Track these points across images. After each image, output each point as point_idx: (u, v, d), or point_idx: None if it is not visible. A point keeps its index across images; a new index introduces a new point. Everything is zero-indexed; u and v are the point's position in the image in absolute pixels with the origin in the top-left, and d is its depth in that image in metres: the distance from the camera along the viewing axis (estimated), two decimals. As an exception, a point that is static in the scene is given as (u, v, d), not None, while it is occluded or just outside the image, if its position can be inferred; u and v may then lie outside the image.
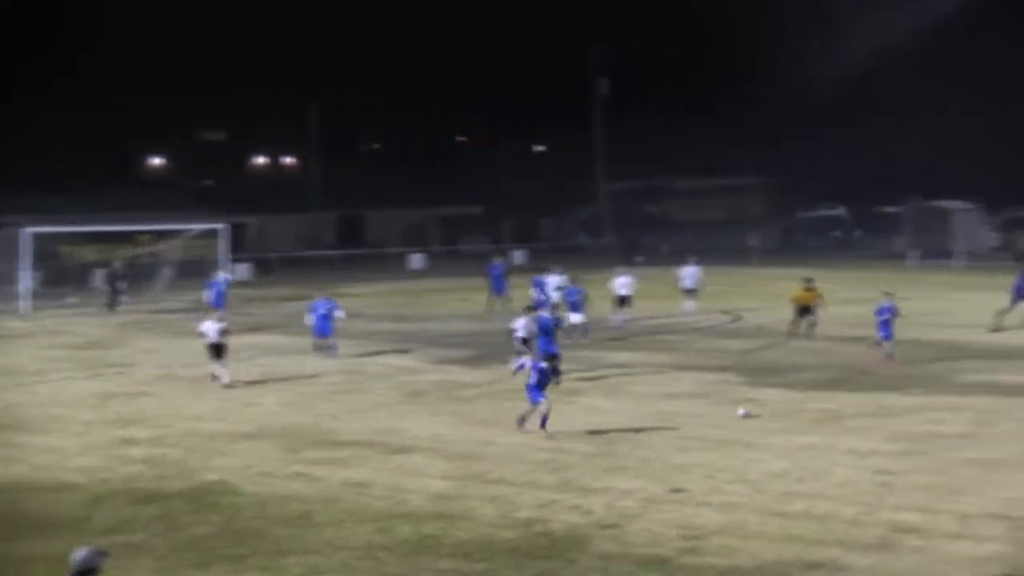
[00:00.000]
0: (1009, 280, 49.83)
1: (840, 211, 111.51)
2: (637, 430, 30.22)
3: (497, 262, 60.11)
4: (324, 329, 43.06)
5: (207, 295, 53.99)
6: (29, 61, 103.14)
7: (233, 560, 20.98)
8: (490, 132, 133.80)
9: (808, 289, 46.12)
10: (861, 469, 26.01)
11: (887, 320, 39.93)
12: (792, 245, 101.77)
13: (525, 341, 37.48)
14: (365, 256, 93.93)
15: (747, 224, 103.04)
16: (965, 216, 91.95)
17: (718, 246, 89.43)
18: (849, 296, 54.95)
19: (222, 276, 57.03)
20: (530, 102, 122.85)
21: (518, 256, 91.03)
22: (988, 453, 27.24)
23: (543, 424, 29.36)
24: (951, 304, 56.63)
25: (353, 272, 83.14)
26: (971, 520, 22.19)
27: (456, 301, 64.25)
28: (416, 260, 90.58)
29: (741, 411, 31.31)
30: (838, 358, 41.78)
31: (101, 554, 13.80)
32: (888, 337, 39.90)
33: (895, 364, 39.02)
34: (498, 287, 56.83)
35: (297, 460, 28.12)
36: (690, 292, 55.59)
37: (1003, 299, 48.47)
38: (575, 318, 45.23)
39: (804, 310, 46.04)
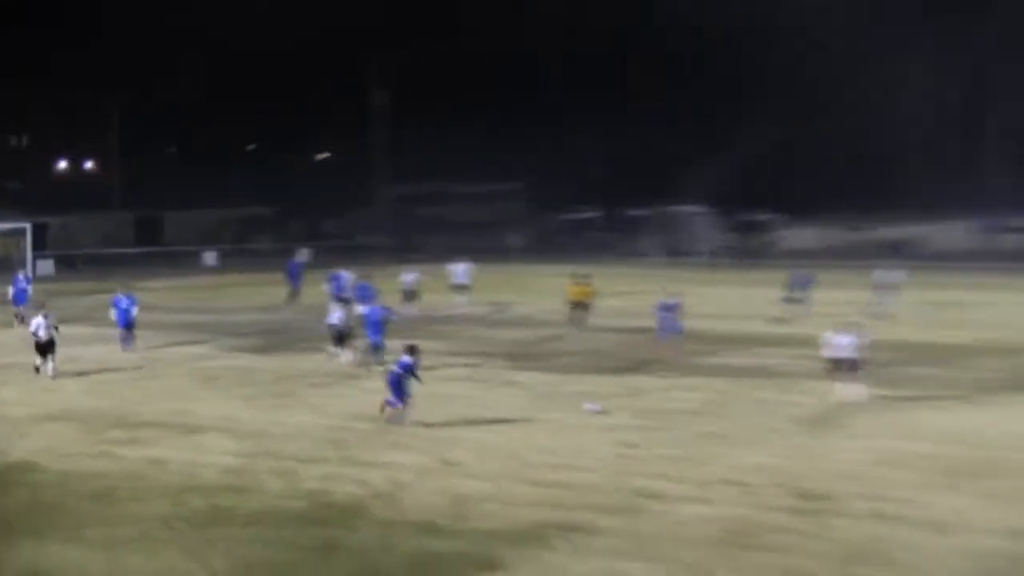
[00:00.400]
0: (739, 276, 50.82)
1: (594, 214, 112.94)
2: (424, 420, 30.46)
3: (297, 259, 59.74)
4: (124, 321, 42.40)
5: (8, 293, 52.75)
6: None
7: (37, 533, 20.67)
8: (280, 140, 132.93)
9: (581, 284, 45.71)
10: (612, 443, 26.52)
11: (669, 315, 39.49)
12: (551, 244, 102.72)
13: (343, 336, 37.28)
14: (163, 254, 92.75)
15: (512, 225, 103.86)
16: (701, 219, 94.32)
17: (486, 245, 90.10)
18: (600, 290, 55.67)
19: (21, 275, 55.73)
20: (317, 113, 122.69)
21: (305, 254, 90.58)
22: (721, 427, 28.03)
23: (387, 408, 28.64)
24: (691, 297, 57.60)
25: (152, 268, 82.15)
26: (706, 486, 22.84)
27: (247, 294, 63.88)
28: (210, 258, 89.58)
29: (592, 406, 29.76)
30: (593, 345, 42.41)
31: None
32: (675, 330, 39.38)
33: (682, 354, 38.91)
34: (295, 282, 56.42)
35: (100, 440, 27.77)
36: (462, 287, 55.42)
37: (734, 293, 49.70)
38: (364, 310, 45.19)
39: (578, 305, 45.32)
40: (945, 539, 19.58)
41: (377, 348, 35.17)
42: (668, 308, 39.76)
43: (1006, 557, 18.70)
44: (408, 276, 52.63)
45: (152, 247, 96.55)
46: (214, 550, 19.62)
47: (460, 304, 54.14)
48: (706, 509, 21.37)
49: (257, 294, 63.58)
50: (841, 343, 28.58)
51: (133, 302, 42.91)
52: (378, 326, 35.98)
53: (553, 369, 37.07)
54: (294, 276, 57.99)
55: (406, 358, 28.24)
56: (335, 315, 38.77)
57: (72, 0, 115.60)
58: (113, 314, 42.72)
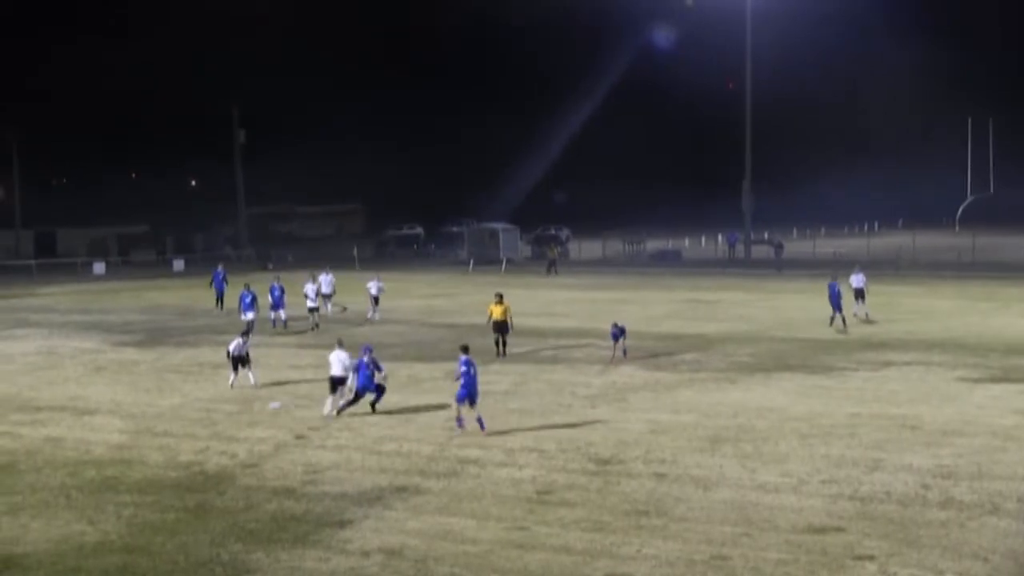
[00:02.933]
0: (535, 280, 50.63)
1: (418, 229, 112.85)
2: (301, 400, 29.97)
3: (219, 269, 54.54)
4: None
5: None
6: None
7: (-49, 501, 20.00)
8: (156, 170, 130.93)
9: (499, 303, 36.72)
10: (435, 417, 26.47)
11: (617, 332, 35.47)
12: (384, 255, 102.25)
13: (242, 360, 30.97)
14: (57, 264, 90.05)
15: (351, 239, 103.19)
16: (507, 234, 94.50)
17: (330, 255, 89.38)
18: (423, 293, 55.60)
19: None
20: (189, 146, 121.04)
21: (177, 264, 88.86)
22: (524, 404, 28.12)
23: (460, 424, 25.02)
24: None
25: (48, 277, 79.64)
26: (514, 452, 22.86)
27: (130, 298, 62.18)
28: (99, 268, 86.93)
29: (273, 404, 27.88)
30: (418, 337, 42.18)
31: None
32: (620, 336, 35.44)
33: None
34: (220, 288, 52.64)
35: (4, 422, 27.11)
36: (327, 296, 49.50)
37: (531, 294, 49.81)
38: (281, 313, 44.50)
39: (500, 325, 36.39)
40: (709, 493, 19.82)
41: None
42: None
43: (752, 505, 18.97)
44: (324, 277, 49.07)
45: (48, 259, 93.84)
46: (105, 514, 19.19)
47: (328, 309, 49.38)
48: (515, 471, 21.37)
49: (138, 298, 62.11)
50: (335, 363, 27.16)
51: None
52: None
53: (386, 358, 36.49)
54: (218, 283, 53.17)
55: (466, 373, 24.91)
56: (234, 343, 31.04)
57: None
58: None
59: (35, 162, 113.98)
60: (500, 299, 36.91)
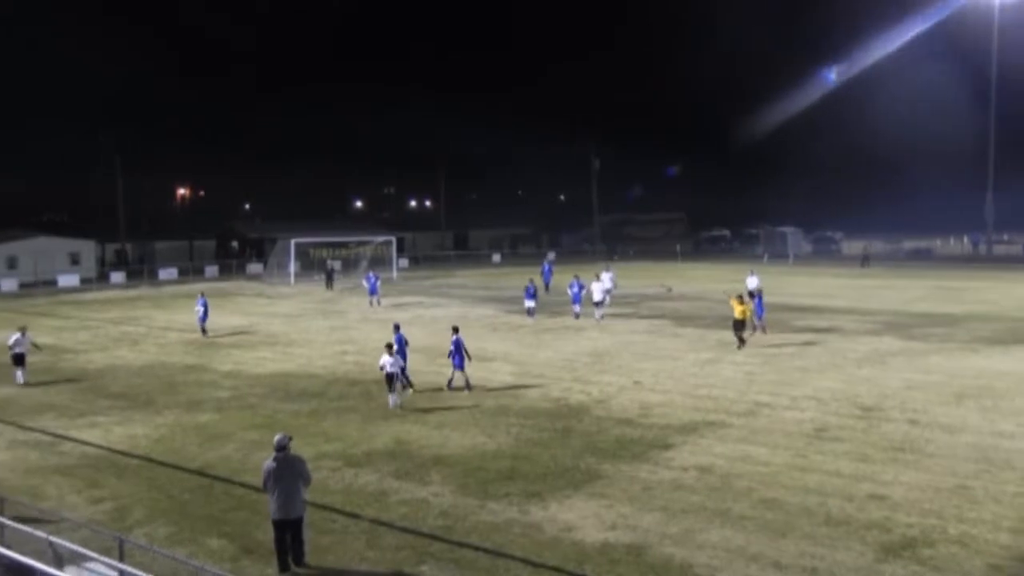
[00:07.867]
0: (817, 269, 48.38)
1: (725, 232, 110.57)
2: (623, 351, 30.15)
3: (547, 263, 54.25)
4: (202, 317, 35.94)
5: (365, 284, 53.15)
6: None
7: (401, 417, 21.19)
8: (536, 188, 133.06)
9: (740, 303, 31.15)
10: (737, 371, 25.93)
11: (760, 302, 34.09)
12: (700, 251, 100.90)
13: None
14: (469, 255, 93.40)
15: (676, 239, 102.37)
16: (793, 235, 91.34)
17: (661, 251, 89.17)
18: (728, 277, 54.21)
19: (371, 273, 55.79)
20: (556, 171, 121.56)
21: (550, 255, 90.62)
22: (806, 364, 27.07)
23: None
24: (788, 283, 55.83)
25: (462, 264, 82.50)
26: (797, 399, 22.11)
27: (518, 279, 63.93)
28: (496, 257, 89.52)
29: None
30: (725, 313, 41.28)
31: (289, 437, 13.10)
32: (760, 315, 33.66)
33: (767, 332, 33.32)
34: (546, 278, 52.63)
35: (433, 363, 28.16)
36: (608, 291, 41.69)
37: (815, 280, 47.81)
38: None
39: (738, 324, 30.65)
40: (953, 437, 18.54)
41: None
42: (757, 301, 34.51)
43: (992, 448, 17.60)
44: (606, 275, 47.96)
45: (462, 251, 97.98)
46: (498, 430, 19.83)
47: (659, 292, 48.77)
48: (798, 414, 20.68)
49: (523, 279, 63.30)
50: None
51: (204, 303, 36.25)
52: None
53: (700, 326, 36.30)
54: (546, 274, 54.31)
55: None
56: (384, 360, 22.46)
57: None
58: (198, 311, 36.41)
59: (455, 184, 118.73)
60: (741, 299, 31.42)
